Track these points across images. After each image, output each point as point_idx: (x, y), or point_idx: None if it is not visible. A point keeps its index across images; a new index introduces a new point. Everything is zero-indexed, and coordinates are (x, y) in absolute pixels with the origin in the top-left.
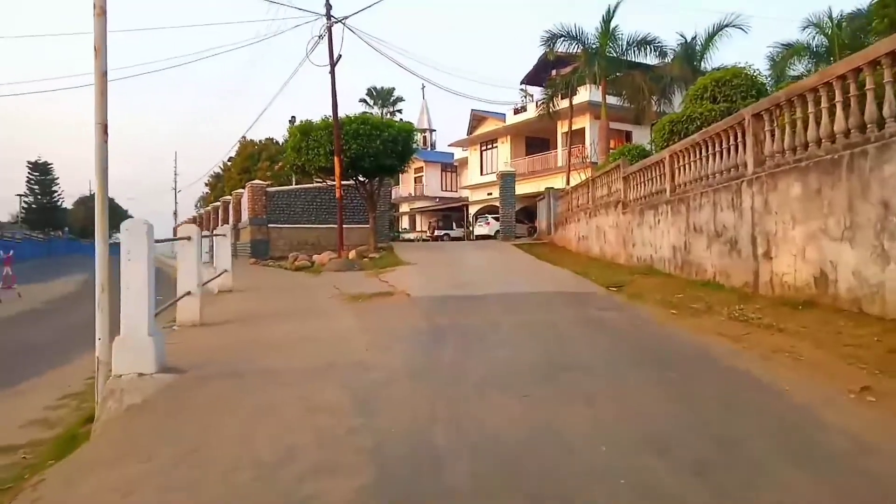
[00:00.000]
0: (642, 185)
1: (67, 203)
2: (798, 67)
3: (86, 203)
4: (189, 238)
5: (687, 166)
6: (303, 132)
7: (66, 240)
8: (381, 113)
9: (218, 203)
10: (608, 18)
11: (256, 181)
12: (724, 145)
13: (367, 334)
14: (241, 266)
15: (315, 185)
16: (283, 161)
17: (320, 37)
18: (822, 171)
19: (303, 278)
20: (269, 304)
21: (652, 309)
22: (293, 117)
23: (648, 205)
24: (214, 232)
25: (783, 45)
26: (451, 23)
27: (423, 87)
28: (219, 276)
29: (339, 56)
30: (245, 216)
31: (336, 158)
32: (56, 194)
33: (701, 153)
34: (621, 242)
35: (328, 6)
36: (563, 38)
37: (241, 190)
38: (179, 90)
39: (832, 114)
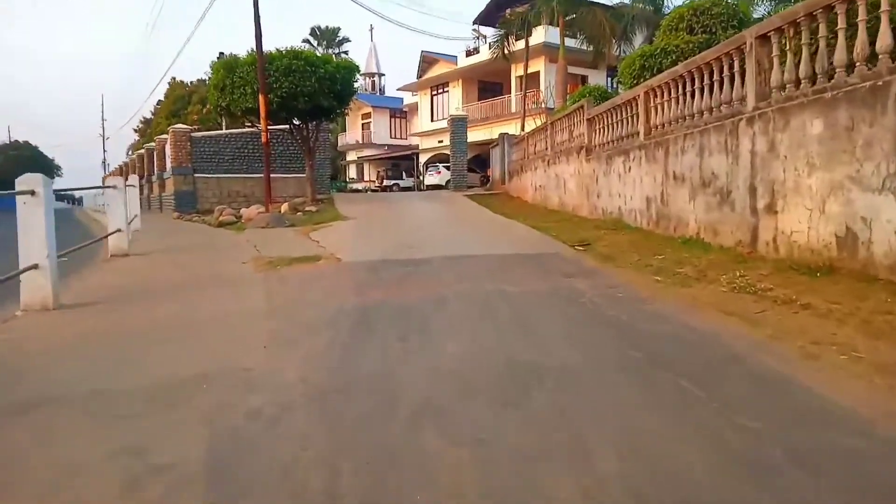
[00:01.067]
0: (609, 128)
1: None
2: (760, 10)
3: (5, 151)
4: (33, 193)
5: (666, 104)
6: (227, 69)
7: None
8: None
9: (143, 150)
10: None
11: (180, 126)
12: (716, 77)
13: (272, 320)
14: (160, 221)
15: (247, 129)
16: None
17: None
18: (855, 103)
19: (222, 236)
20: (164, 273)
21: (630, 275)
22: (221, 54)
23: (617, 150)
24: (106, 184)
25: None
26: None
27: (371, 28)
28: (109, 235)
29: None
30: (169, 165)
31: (261, 97)
32: None
33: (684, 88)
34: (584, 193)
35: None
36: None
37: (164, 136)
38: (103, 18)
39: (873, 31)
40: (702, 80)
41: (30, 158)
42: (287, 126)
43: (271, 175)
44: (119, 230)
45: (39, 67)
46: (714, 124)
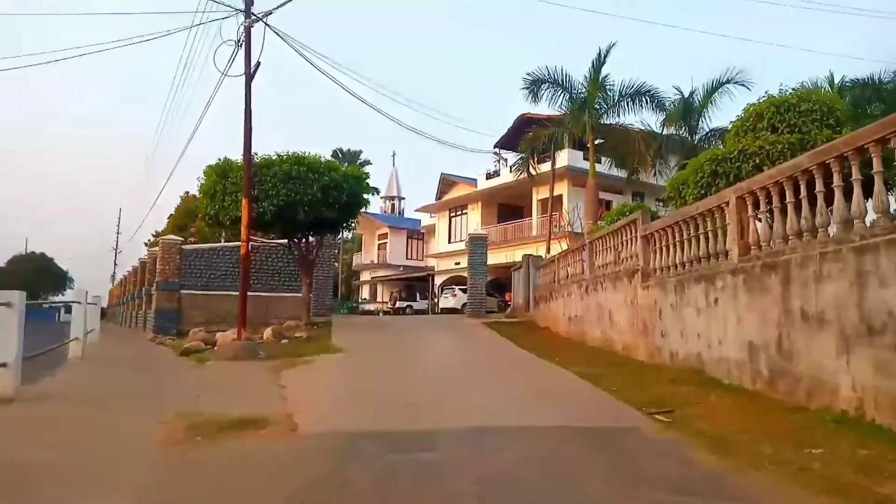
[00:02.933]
0: (677, 246)
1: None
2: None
3: (22, 262)
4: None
5: (776, 213)
6: (220, 173)
7: None
8: None
9: (138, 263)
10: (599, 64)
11: (169, 237)
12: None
13: None
14: (126, 341)
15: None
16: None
17: (238, 42)
18: None
19: (173, 371)
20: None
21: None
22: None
23: (693, 276)
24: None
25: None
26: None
27: (394, 154)
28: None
29: (259, 63)
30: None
31: (244, 201)
32: None
33: (809, 190)
34: (640, 329)
35: (248, 1)
36: (547, 85)
37: (155, 248)
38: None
39: None
40: (842, 176)
41: (44, 270)
42: (284, 239)
43: (267, 294)
44: (76, 339)
45: (58, 180)
46: (886, 237)
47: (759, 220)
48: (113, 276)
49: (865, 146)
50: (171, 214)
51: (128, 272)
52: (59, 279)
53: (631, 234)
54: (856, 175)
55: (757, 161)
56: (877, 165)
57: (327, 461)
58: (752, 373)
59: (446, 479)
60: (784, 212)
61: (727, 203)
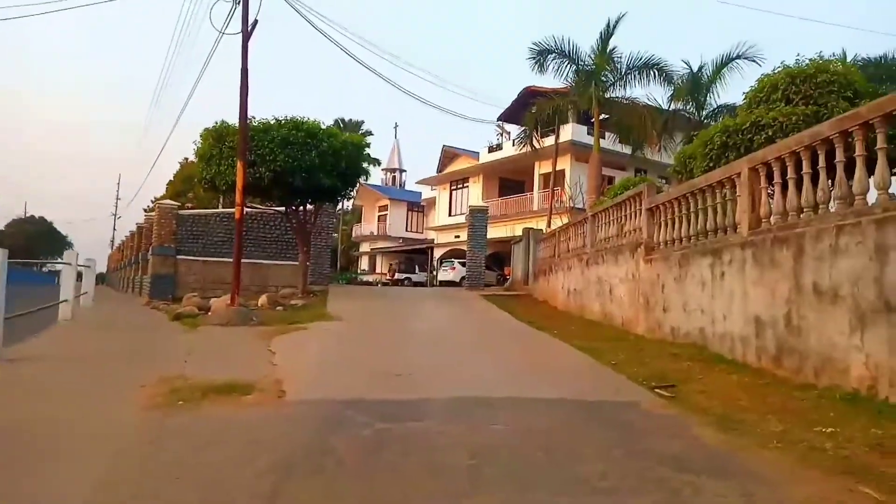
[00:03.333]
0: (682, 220)
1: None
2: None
3: (21, 226)
4: None
5: (790, 185)
6: (216, 137)
7: None
8: None
9: (135, 228)
10: (607, 35)
11: (166, 201)
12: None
13: None
14: (122, 305)
15: (246, 209)
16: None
17: None
18: None
19: (164, 334)
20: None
21: (813, 487)
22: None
23: (699, 250)
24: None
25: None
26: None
27: (396, 126)
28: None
29: (256, 21)
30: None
31: (239, 163)
32: None
33: (828, 160)
34: (641, 303)
35: None
36: (553, 56)
37: (153, 214)
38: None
39: None
40: (868, 144)
41: (43, 233)
42: (283, 207)
43: (264, 261)
44: (65, 301)
45: (57, 142)
46: None
47: (772, 193)
48: (112, 242)
49: (894, 112)
50: (170, 181)
51: (126, 237)
52: (59, 243)
53: (635, 206)
54: (881, 143)
55: (770, 133)
56: None
57: (314, 429)
58: (757, 349)
59: (437, 451)
60: (799, 184)
61: (738, 174)
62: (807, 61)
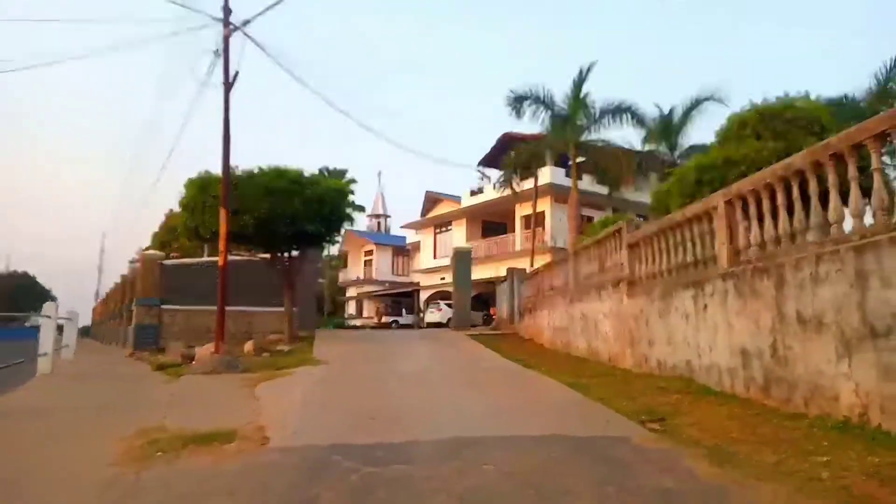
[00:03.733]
0: (662, 254)
1: None
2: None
3: (3, 279)
4: None
5: (767, 218)
6: (200, 187)
7: None
8: None
9: (120, 279)
10: (580, 81)
11: (150, 252)
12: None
13: None
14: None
15: (230, 257)
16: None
17: (216, 51)
18: None
19: (145, 386)
20: None
21: None
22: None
23: (680, 282)
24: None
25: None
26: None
27: (380, 173)
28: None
29: (237, 73)
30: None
31: (222, 211)
32: None
33: (802, 190)
34: (626, 338)
35: (226, 9)
36: (529, 102)
37: (137, 264)
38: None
39: None
40: (839, 174)
41: (26, 288)
42: (268, 255)
43: (249, 308)
44: (45, 354)
45: (40, 197)
46: (889, 235)
47: (749, 224)
48: (97, 294)
49: (863, 143)
50: (155, 232)
51: (110, 289)
52: (43, 298)
53: (616, 243)
54: (852, 173)
55: (742, 168)
56: (875, 162)
57: (298, 476)
58: (744, 379)
59: (426, 496)
60: (775, 215)
61: (715, 208)
62: (773, 100)
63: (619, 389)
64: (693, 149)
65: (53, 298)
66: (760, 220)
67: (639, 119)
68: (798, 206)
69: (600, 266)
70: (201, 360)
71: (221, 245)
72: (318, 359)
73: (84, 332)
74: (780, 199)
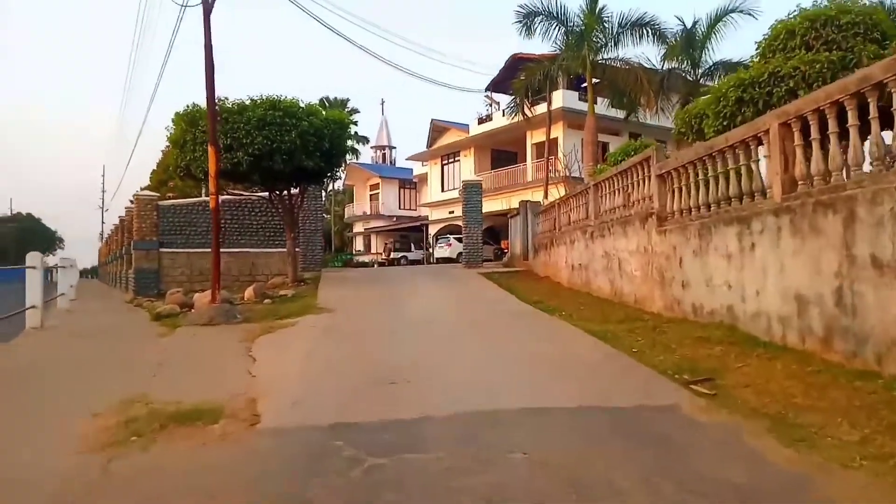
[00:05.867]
0: (702, 185)
1: None
2: None
3: (7, 223)
4: None
5: (832, 142)
6: (189, 121)
7: None
8: None
9: (118, 222)
10: None
11: (144, 192)
12: None
13: None
14: (105, 303)
15: (226, 196)
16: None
17: None
18: None
19: (138, 338)
20: None
21: None
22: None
23: (722, 218)
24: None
25: None
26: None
27: (383, 102)
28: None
29: None
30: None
31: (210, 148)
32: None
33: (886, 111)
34: (655, 279)
35: None
36: (541, 17)
37: (132, 205)
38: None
39: None
40: None
41: (31, 230)
42: (265, 191)
43: (251, 250)
44: (33, 307)
45: (41, 134)
46: None
47: (810, 150)
48: (101, 235)
49: None
50: (153, 170)
51: (111, 231)
52: (48, 239)
53: (643, 173)
54: None
55: (791, 84)
56: None
57: (288, 472)
58: (799, 329)
59: (443, 499)
60: (843, 138)
61: (767, 132)
62: (825, 3)
63: (652, 339)
64: (718, 65)
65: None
66: (823, 145)
67: (660, 34)
68: (875, 127)
69: (625, 199)
70: (199, 310)
71: (212, 186)
72: (322, 306)
73: (92, 274)
74: (852, 118)
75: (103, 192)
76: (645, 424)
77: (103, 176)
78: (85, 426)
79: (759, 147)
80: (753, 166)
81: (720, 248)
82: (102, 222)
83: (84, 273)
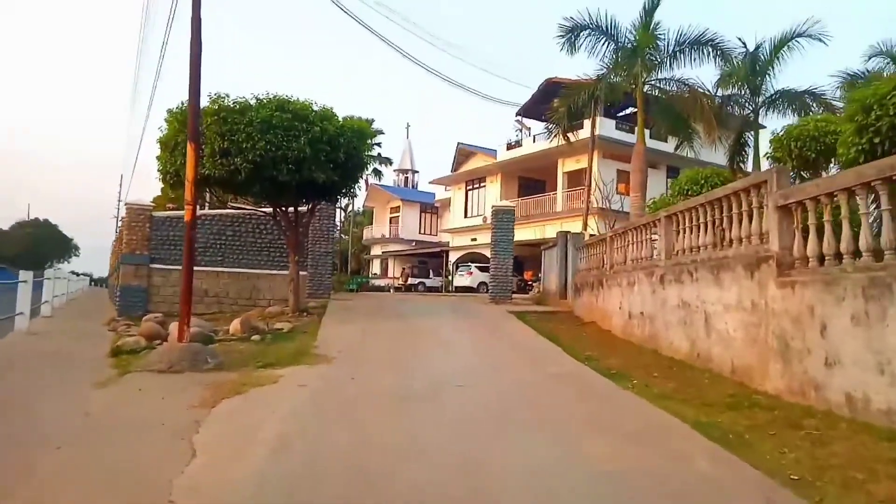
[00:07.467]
0: (859, 221)
1: (2, 224)
2: None
3: (25, 228)
4: None
5: None
6: (183, 121)
7: None
8: None
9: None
10: (652, 6)
11: (136, 202)
12: None
13: None
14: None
15: (229, 210)
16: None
17: None
18: None
19: (54, 399)
20: None
21: None
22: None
23: None
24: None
25: (848, 74)
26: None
27: (408, 126)
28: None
29: None
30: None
31: (189, 147)
32: None
33: None
34: (772, 346)
35: None
36: (588, 32)
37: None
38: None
39: None
40: None
41: (48, 236)
42: (268, 206)
43: (253, 271)
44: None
45: (57, 142)
46: None
47: None
48: (113, 245)
49: None
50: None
51: (113, 241)
52: (63, 246)
53: (749, 203)
54: None
55: None
56: None
57: None
58: None
59: None
60: None
61: None
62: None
63: (810, 454)
64: (781, 94)
65: (76, 248)
66: None
67: (724, 55)
68: None
69: (713, 237)
70: (165, 348)
71: (187, 193)
72: (319, 351)
73: (102, 284)
74: None
75: (119, 200)
76: None
77: (120, 185)
78: None
79: None
80: None
81: None
82: (116, 231)
83: (98, 282)
